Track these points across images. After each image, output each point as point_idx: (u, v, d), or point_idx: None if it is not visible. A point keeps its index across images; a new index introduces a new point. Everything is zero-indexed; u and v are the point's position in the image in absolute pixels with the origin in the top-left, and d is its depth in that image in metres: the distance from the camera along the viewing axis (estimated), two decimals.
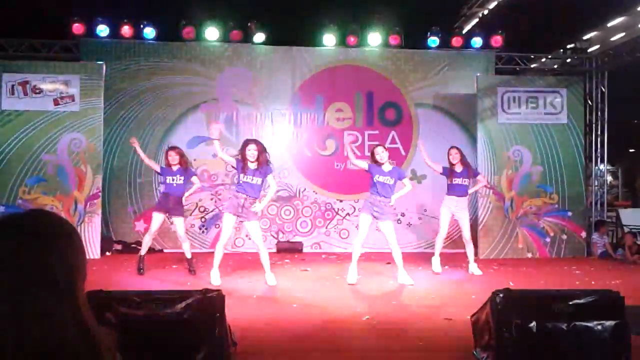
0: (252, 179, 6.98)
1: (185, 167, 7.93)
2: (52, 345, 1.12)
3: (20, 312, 1.12)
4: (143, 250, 7.87)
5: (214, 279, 7.13)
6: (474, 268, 8.24)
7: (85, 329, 1.18)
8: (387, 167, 7.31)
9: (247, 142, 7.16)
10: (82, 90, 9.56)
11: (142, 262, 7.83)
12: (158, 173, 8.16)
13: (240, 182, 7.03)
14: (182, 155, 7.93)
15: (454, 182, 8.11)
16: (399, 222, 10.69)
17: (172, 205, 7.75)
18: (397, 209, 10.59)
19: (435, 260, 8.26)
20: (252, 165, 6.99)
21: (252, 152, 6.99)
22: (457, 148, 8.29)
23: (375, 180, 7.24)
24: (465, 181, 8.13)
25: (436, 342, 4.60)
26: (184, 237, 7.92)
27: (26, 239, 1.18)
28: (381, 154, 7.30)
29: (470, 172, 8.24)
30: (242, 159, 7.03)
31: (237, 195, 7.04)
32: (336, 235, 10.69)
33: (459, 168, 8.13)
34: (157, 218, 7.75)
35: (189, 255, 7.93)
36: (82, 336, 1.16)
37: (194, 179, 7.98)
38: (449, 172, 8.18)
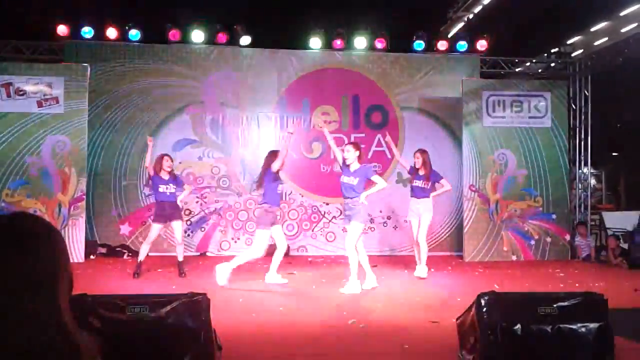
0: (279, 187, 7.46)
1: (175, 175, 8.05)
2: (33, 346, 1.12)
3: (2, 314, 1.11)
4: (141, 257, 7.85)
5: (222, 278, 7.14)
6: (421, 270, 8.09)
7: (66, 331, 1.17)
8: (354, 166, 7.05)
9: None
10: (66, 92, 9.47)
11: (139, 268, 7.82)
12: (149, 179, 8.12)
13: (274, 191, 7.30)
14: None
15: (413, 184, 8.22)
16: (385, 225, 10.71)
17: (169, 211, 7.80)
18: (382, 211, 10.65)
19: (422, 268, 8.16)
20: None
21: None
22: (423, 151, 8.27)
23: (340, 181, 7.14)
24: (425, 184, 8.12)
25: (421, 345, 4.61)
26: (180, 241, 7.96)
27: (7, 240, 1.17)
28: (345, 154, 7.07)
29: (429, 176, 8.13)
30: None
31: (272, 209, 7.26)
32: (322, 238, 10.68)
33: (421, 171, 8.16)
34: (156, 228, 7.81)
35: (180, 258, 7.98)
36: (63, 337, 1.16)
37: (185, 186, 8.19)
38: (412, 172, 8.25)
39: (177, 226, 7.86)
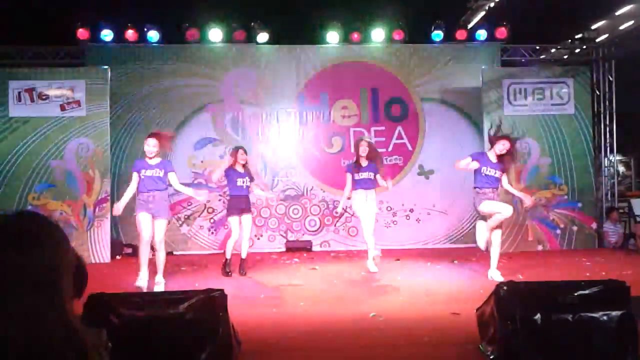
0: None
1: (248, 169, 8.01)
2: (37, 345, 1.12)
3: (4, 313, 1.12)
4: (227, 255, 7.78)
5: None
6: (371, 265, 7.86)
7: (71, 330, 1.18)
8: (154, 160, 6.85)
9: None
10: (88, 95, 9.60)
11: (229, 266, 7.77)
12: (225, 176, 8.01)
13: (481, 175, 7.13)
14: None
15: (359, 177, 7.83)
16: (408, 218, 10.64)
17: (244, 205, 7.79)
18: (404, 204, 10.58)
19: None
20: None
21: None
22: (368, 141, 8.11)
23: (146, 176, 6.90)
24: (370, 175, 7.84)
25: (442, 337, 4.57)
26: (250, 235, 7.97)
27: (10, 240, 1.18)
28: (150, 147, 6.86)
29: (374, 168, 7.88)
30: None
31: (482, 191, 7.09)
32: (345, 233, 10.66)
33: (364, 162, 7.84)
34: (235, 222, 7.76)
35: (243, 256, 7.90)
36: (67, 336, 1.16)
37: (256, 181, 8.20)
38: (352, 168, 7.94)
39: (248, 220, 7.86)
